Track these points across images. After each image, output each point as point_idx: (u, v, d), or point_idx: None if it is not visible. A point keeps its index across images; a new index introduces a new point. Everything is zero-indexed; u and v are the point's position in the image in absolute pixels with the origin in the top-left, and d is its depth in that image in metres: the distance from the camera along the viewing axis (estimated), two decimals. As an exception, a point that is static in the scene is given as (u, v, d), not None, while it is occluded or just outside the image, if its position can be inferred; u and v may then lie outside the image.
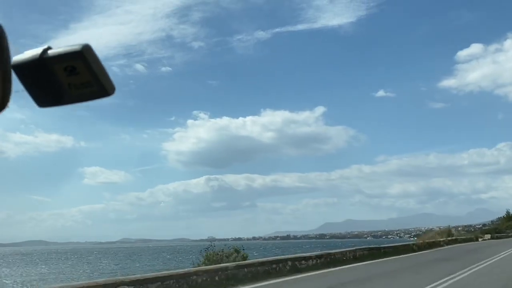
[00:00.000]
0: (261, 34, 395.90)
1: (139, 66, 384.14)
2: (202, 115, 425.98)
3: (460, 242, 35.35)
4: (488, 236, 46.40)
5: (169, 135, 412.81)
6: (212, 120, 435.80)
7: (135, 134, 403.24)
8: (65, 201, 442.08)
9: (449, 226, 43.94)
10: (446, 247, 29.88)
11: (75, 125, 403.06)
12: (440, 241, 31.47)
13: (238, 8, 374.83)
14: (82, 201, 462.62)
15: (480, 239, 43.37)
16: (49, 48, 0.95)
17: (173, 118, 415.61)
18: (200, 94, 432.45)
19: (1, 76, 0.83)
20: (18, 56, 0.95)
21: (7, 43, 0.86)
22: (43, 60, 0.94)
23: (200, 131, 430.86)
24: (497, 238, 45.85)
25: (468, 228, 72.04)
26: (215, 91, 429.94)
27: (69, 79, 0.96)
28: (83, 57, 0.93)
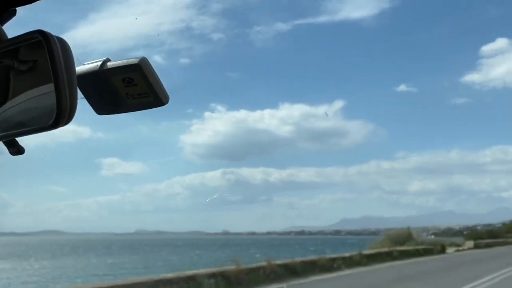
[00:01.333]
0: (281, 26, 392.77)
1: (157, 58, 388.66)
2: (219, 107, 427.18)
3: (411, 256, 21.66)
4: (471, 243, 29.59)
5: (186, 127, 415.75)
6: (230, 112, 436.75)
7: (152, 125, 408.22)
8: (81, 192, 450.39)
9: (408, 227, 27.83)
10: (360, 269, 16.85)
11: (92, 116, 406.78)
12: (383, 252, 20.55)
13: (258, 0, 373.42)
14: (99, 192, 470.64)
15: (456, 249, 27.40)
16: (108, 60, 1.00)
17: (190, 110, 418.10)
18: (218, 86, 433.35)
19: (69, 88, 0.86)
20: (79, 68, 0.98)
21: (72, 56, 0.88)
22: (102, 72, 0.99)
23: (217, 124, 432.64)
24: (487, 246, 30.67)
25: (487, 228, 69.99)
26: (233, 83, 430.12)
27: (126, 90, 1.00)
28: (140, 69, 0.98)
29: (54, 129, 0.91)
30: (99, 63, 1.00)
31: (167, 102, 1.04)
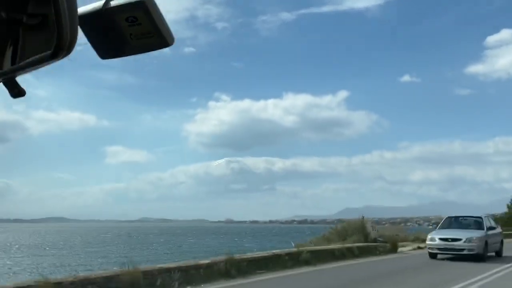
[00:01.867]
0: (286, 16, 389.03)
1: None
2: (224, 97, 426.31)
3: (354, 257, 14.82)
4: (409, 247, 19.87)
5: (191, 117, 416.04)
6: (234, 102, 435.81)
7: (156, 114, 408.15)
8: (87, 179, 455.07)
9: (363, 218, 21.03)
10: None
11: (97, 104, 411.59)
12: (327, 249, 14.69)
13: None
14: (104, 179, 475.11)
15: (418, 246, 19.43)
16: None
17: (194, 100, 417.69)
18: (222, 75, 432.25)
19: (70, 17, 0.85)
20: (82, 8, 0.95)
21: None
22: (105, 10, 0.96)
23: (221, 113, 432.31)
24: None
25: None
26: (237, 73, 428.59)
27: (130, 30, 0.97)
28: (145, 7, 0.94)
29: (54, 61, 0.89)
30: (102, 2, 0.96)
31: (172, 43, 1.01)
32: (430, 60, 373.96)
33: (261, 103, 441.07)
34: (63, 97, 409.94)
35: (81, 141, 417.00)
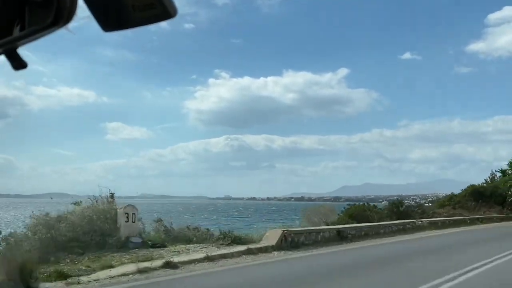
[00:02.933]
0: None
1: (162, 22, 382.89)
2: (223, 74, 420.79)
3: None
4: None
5: (190, 94, 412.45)
6: (234, 79, 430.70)
7: (156, 91, 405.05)
8: (87, 156, 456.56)
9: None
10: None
11: (97, 80, 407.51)
12: None
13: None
14: (105, 156, 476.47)
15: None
16: None
17: (194, 77, 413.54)
18: (222, 52, 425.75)
19: None
20: None
21: None
22: None
23: (221, 90, 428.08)
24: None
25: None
26: (237, 50, 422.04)
27: (132, 1, 0.97)
28: None
29: (54, 30, 0.89)
30: None
31: (175, 15, 0.99)
32: (432, 37, 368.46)
33: (261, 80, 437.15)
34: (61, 73, 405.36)
35: (81, 117, 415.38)
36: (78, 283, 7.53)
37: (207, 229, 14.06)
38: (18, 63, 0.95)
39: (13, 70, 0.95)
